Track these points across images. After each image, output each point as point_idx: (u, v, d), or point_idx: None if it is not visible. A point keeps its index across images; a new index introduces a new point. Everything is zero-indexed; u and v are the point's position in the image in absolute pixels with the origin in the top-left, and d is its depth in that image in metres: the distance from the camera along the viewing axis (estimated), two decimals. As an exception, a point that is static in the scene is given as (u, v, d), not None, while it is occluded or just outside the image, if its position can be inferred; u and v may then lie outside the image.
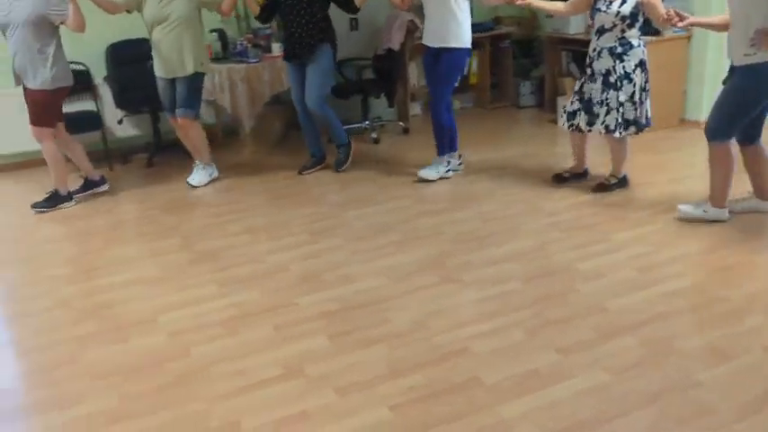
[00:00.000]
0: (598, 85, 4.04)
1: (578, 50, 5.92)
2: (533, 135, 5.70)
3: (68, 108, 5.24)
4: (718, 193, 3.61)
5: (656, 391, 2.34)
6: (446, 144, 4.62)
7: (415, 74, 6.39)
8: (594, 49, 4.04)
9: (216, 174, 4.90)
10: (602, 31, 3.98)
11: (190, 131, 4.70)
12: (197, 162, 4.86)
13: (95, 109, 5.36)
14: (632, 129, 4.07)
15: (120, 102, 5.31)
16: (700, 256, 3.35)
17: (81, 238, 4.01)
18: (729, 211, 3.66)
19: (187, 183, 4.78)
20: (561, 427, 2.19)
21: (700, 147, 4.31)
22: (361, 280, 3.27)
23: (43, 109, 4.23)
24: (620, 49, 3.93)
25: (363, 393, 2.41)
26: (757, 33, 3.20)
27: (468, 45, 4.41)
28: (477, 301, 3.02)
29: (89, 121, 5.23)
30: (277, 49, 5.53)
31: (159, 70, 4.57)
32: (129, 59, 5.34)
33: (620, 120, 4.02)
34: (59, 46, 4.21)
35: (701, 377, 2.40)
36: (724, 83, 3.52)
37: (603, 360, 2.53)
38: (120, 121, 5.52)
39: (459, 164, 4.74)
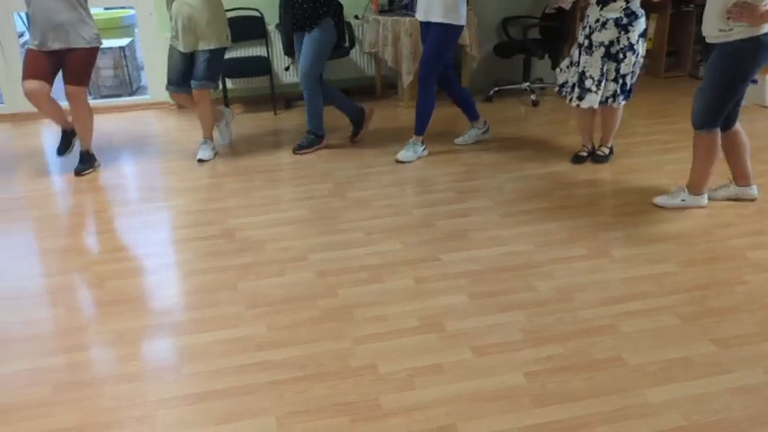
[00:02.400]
0: (596, 57, 3.90)
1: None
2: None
3: (241, 53, 5.58)
4: (699, 181, 3.49)
5: (825, 400, 2.12)
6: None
7: (583, 36, 6.08)
8: (598, 20, 3.87)
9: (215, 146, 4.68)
10: (605, 2, 3.83)
11: (203, 104, 4.45)
12: (204, 140, 4.62)
13: (266, 54, 5.63)
14: (625, 99, 3.99)
15: (288, 49, 5.53)
16: None
17: (242, 176, 4.27)
18: (709, 199, 3.56)
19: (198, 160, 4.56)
20: (709, 422, 2.05)
21: None
22: (508, 243, 3.22)
23: (88, 67, 4.17)
24: (625, 20, 3.81)
25: (500, 356, 2.39)
26: (736, 6, 2.94)
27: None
28: (629, 278, 2.87)
29: (259, 67, 5.52)
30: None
31: (180, 42, 4.27)
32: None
33: (618, 91, 3.94)
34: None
35: None
36: (703, 61, 3.18)
37: (765, 359, 2.32)
38: (287, 68, 5.77)
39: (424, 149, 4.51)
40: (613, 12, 3.81)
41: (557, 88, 4.22)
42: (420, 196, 3.83)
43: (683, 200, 3.53)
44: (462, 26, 4.27)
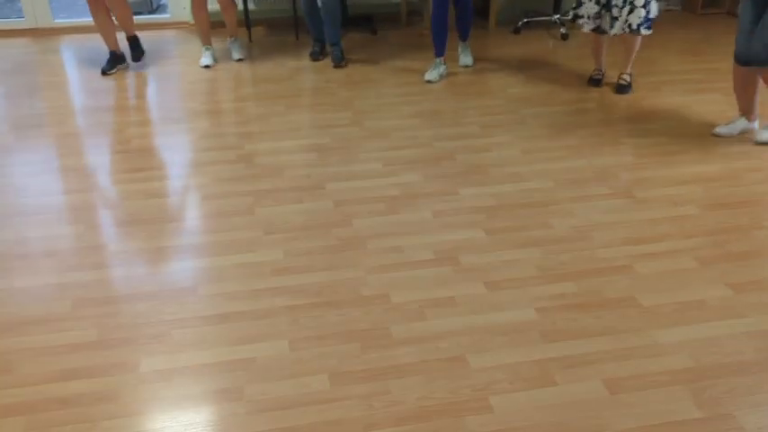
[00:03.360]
0: None
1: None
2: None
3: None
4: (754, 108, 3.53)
5: (839, 349, 2.11)
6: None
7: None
8: None
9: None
10: None
11: (230, 8, 4.82)
12: (232, 38, 4.97)
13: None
14: (650, 28, 4.02)
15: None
16: None
17: (265, 101, 4.23)
18: (715, 134, 3.63)
19: (232, 58, 4.90)
20: (719, 364, 2.06)
21: None
22: (528, 179, 3.18)
23: None
24: None
25: (513, 291, 2.40)
26: None
27: None
28: (649, 220, 2.83)
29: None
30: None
31: None
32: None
33: (643, 18, 3.96)
34: None
35: None
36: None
37: (782, 305, 2.31)
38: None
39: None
40: None
41: (585, 28, 4.15)
42: (441, 129, 3.77)
43: (744, 128, 3.58)
44: None
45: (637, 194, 3.03)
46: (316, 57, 4.91)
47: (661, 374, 2.02)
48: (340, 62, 4.74)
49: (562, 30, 5.42)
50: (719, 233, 2.73)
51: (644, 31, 4.01)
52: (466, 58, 4.75)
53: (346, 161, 3.40)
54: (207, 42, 4.85)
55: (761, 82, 3.45)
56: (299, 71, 4.76)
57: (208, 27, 4.82)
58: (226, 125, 3.86)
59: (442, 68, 4.53)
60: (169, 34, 5.65)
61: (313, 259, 2.60)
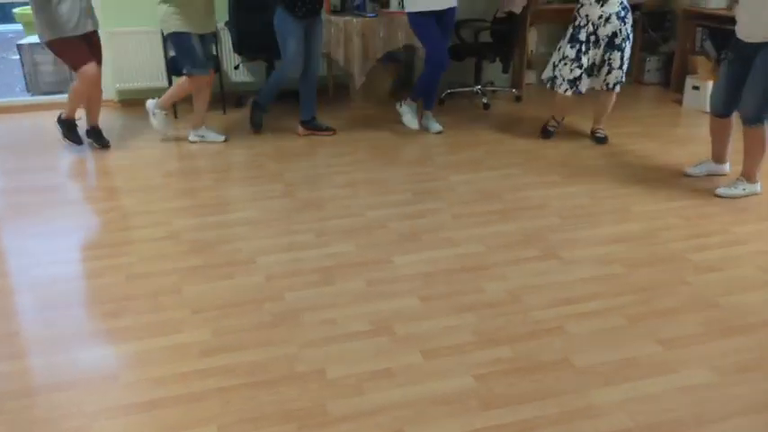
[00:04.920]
0: (601, 49, 4.38)
1: (716, 27, 5.49)
2: (655, 114, 5.37)
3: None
4: (754, 170, 3.74)
5: (763, 400, 2.17)
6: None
7: (534, 40, 6.15)
8: (600, 17, 4.29)
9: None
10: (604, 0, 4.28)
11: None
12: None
13: (215, 53, 5.51)
14: (623, 82, 4.49)
15: (238, 47, 5.43)
16: (832, 261, 3.06)
17: (192, 175, 4.17)
18: (686, 175, 4.06)
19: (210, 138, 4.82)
20: (655, 422, 2.07)
21: None
22: (460, 245, 3.21)
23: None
24: (623, 13, 4.29)
25: (450, 359, 2.38)
26: None
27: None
28: (578, 280, 2.89)
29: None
30: (395, 4, 5.47)
31: (198, 26, 4.39)
32: (250, 6, 5.44)
33: (620, 78, 4.44)
34: None
35: (819, 391, 2.20)
36: (726, 60, 3.69)
37: (710, 359, 2.36)
38: (236, 67, 5.67)
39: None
40: (613, 7, 4.27)
41: (547, 83, 4.60)
42: (373, 197, 3.79)
43: (744, 188, 3.76)
44: (411, 12, 4.55)
45: (564, 255, 3.11)
46: (258, 128, 4.93)
47: (600, 436, 2.02)
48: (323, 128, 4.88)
49: (484, 99, 5.63)
50: (645, 290, 2.81)
51: (617, 89, 4.46)
52: (435, 125, 4.92)
53: (278, 233, 3.36)
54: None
55: (731, 133, 3.87)
56: (228, 145, 4.73)
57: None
58: (152, 202, 3.77)
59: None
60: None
61: (244, 337, 2.52)
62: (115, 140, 4.80)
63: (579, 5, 4.36)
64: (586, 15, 4.32)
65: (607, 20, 4.27)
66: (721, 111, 3.81)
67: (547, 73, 4.59)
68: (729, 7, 5.30)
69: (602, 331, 2.53)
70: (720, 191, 3.76)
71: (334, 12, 5.45)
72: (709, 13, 5.47)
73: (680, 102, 5.57)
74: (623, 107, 5.57)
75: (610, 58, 4.37)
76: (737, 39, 3.61)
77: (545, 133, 4.78)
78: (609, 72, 4.41)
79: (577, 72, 4.40)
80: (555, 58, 4.51)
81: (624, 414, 2.10)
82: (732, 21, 5.10)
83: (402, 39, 5.36)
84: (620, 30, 4.29)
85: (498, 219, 3.50)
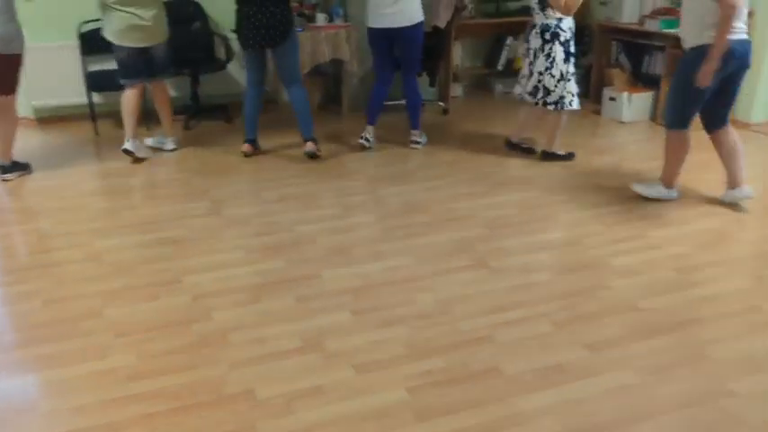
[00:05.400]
0: (538, 61, 4.37)
1: (630, 41, 5.75)
2: (575, 125, 5.54)
3: (107, 66, 5.28)
4: (670, 175, 3.87)
5: (685, 396, 2.26)
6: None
7: (459, 54, 6.27)
8: (532, 27, 4.37)
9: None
10: (533, 11, 4.34)
11: (165, 95, 4.73)
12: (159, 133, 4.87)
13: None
14: (563, 106, 4.38)
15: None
16: (742, 262, 3.22)
17: (115, 195, 4.03)
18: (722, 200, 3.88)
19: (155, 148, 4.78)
20: (583, 425, 2.12)
21: (751, 148, 4.15)
22: (390, 258, 3.22)
23: (7, 74, 4.07)
24: (548, 33, 4.29)
25: (381, 373, 2.37)
26: None
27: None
28: (506, 289, 2.95)
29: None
30: (322, 19, 5.47)
31: (135, 40, 4.37)
32: (173, 20, 5.32)
33: (542, 95, 4.38)
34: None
35: (733, 387, 2.31)
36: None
37: (633, 360, 2.45)
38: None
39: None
40: (538, 20, 4.29)
41: (520, 98, 4.61)
42: (302, 213, 3.76)
43: (659, 191, 3.88)
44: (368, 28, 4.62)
45: (492, 265, 3.16)
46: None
47: (530, 442, 2.05)
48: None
49: (412, 112, 5.68)
50: (570, 296, 2.89)
51: (550, 107, 4.39)
52: (423, 139, 4.94)
53: (205, 252, 3.28)
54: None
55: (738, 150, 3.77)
56: (153, 162, 4.60)
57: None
58: (71, 223, 3.62)
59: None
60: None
61: (170, 360, 2.44)
62: (31, 159, 4.59)
63: (557, 21, 4.26)
64: (569, 28, 4.30)
65: (532, 31, 4.35)
66: (711, 126, 3.76)
67: (553, 97, 4.39)
68: (641, 22, 5.54)
69: (529, 338, 2.58)
70: (637, 187, 3.91)
71: (260, 26, 5.39)
72: (622, 27, 5.71)
73: (599, 112, 5.78)
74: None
75: (532, 71, 4.41)
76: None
77: (524, 150, 4.74)
78: (529, 82, 4.44)
79: (532, 83, 4.44)
80: (548, 81, 4.33)
81: (552, 419, 2.15)
82: (644, 35, 5.35)
83: (329, 53, 5.37)
84: (541, 46, 4.31)
85: (427, 230, 3.53)
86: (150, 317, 2.71)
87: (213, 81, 5.54)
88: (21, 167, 4.33)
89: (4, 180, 4.21)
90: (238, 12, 4.39)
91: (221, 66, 5.42)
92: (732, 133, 3.76)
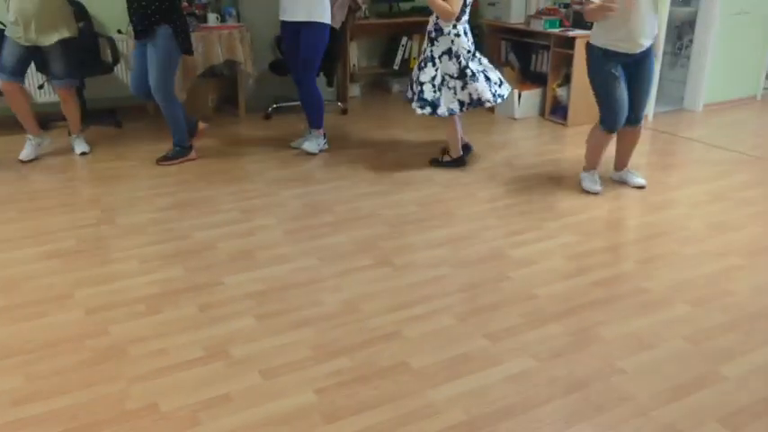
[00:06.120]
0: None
1: (518, 40, 5.98)
2: (470, 122, 5.70)
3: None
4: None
5: (580, 378, 2.37)
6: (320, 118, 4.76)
7: (355, 54, 6.31)
8: (428, 32, 4.27)
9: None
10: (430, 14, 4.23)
11: (71, 99, 4.55)
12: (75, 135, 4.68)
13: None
14: (428, 109, 4.24)
15: (41, 66, 5.00)
16: (626, 247, 3.43)
17: (-7, 207, 3.77)
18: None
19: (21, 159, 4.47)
20: (488, 412, 2.19)
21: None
22: (293, 260, 3.19)
23: None
24: (433, 34, 4.19)
25: (289, 376, 2.34)
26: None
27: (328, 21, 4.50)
28: (410, 285, 2.99)
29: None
30: (213, 19, 5.35)
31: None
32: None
33: (416, 97, 4.24)
34: None
35: (623, 365, 2.45)
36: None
37: (531, 347, 2.55)
38: (40, 86, 5.22)
39: (325, 142, 4.86)
40: (429, 24, 4.21)
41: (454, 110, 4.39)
42: (200, 218, 3.65)
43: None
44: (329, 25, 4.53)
45: (396, 262, 3.20)
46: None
47: (439, 433, 2.09)
48: (162, 161, 4.51)
49: (310, 113, 5.65)
50: (471, 289, 2.97)
51: (415, 107, 4.23)
52: (309, 144, 4.73)
53: (97, 263, 3.12)
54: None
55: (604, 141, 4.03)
56: (33, 170, 4.33)
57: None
58: (-56, 239, 3.35)
59: (320, 140, 4.76)
60: None
61: (63, 379, 2.30)
62: None
63: None
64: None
65: (427, 35, 4.26)
66: (631, 119, 3.93)
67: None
68: (527, 23, 5.78)
69: (434, 332, 2.63)
70: (640, 181, 4.17)
71: (148, 26, 5.19)
72: (510, 27, 5.94)
73: (492, 110, 5.98)
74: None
75: (417, 74, 4.27)
76: (616, 52, 3.72)
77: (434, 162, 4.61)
78: (412, 86, 4.34)
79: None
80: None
81: (459, 409, 2.20)
82: (531, 35, 5.59)
83: (223, 54, 5.25)
84: (425, 49, 4.24)
85: (330, 231, 3.52)
86: (38, 336, 2.55)
87: (99, 84, 5.29)
88: None
89: None
90: None
91: (108, 68, 5.18)
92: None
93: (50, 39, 4.22)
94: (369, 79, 6.76)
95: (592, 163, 4.14)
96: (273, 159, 4.65)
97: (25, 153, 4.46)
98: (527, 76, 6.00)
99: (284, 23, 4.51)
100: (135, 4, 4.14)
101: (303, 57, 4.50)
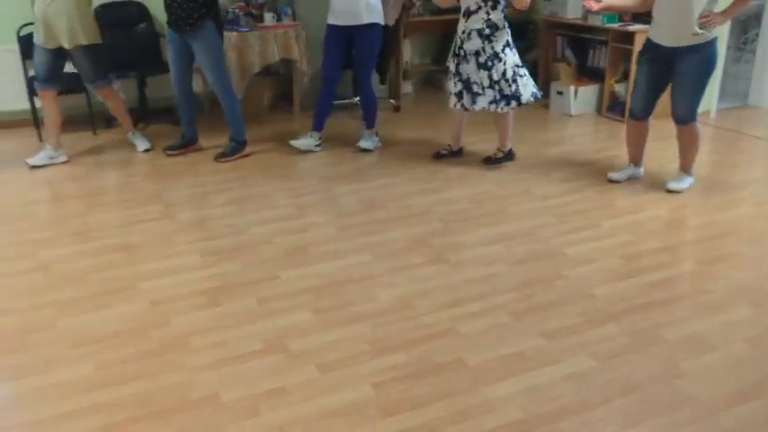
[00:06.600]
0: (472, 65, 4.20)
1: (575, 36, 5.88)
2: (524, 119, 5.64)
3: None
4: (691, 163, 4.03)
5: (639, 379, 2.33)
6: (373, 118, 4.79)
7: (408, 51, 6.31)
8: (464, 31, 4.18)
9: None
10: (468, 14, 4.14)
11: (111, 99, 4.61)
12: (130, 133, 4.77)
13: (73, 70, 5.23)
14: (513, 103, 4.23)
15: (107, 65, 5.17)
16: (687, 247, 3.34)
17: (63, 202, 3.92)
18: (610, 181, 4.15)
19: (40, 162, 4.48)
20: (544, 411, 2.17)
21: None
22: (347, 256, 3.22)
23: None
24: (487, 31, 4.10)
25: (345, 371, 2.38)
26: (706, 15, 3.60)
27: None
28: (464, 282, 2.99)
29: (74, 84, 5.10)
30: (270, 18, 5.43)
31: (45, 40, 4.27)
32: (118, 22, 5.21)
33: (498, 96, 4.20)
34: None
35: (684, 367, 2.40)
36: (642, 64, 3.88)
37: (589, 346, 2.51)
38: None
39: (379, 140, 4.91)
40: (476, 23, 4.10)
41: (453, 105, 4.42)
42: (256, 214, 3.73)
43: (689, 181, 4.04)
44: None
45: (449, 259, 3.20)
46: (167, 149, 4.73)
47: (496, 430, 2.09)
48: (220, 157, 4.63)
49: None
50: (526, 286, 2.95)
51: (505, 108, 4.22)
52: (365, 142, 4.80)
53: (160, 257, 3.22)
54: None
55: (647, 135, 4.05)
56: (100, 167, 4.49)
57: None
58: (17, 233, 3.50)
59: (311, 141, 4.74)
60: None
61: (130, 368, 2.39)
62: (-30, 168, 4.43)
63: None
64: (458, 29, 4.28)
65: (468, 35, 4.13)
66: (641, 114, 3.96)
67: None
68: (584, 18, 5.68)
69: (490, 329, 2.63)
70: (672, 185, 3.97)
71: (207, 26, 5.31)
72: (567, 22, 5.84)
73: (547, 107, 5.90)
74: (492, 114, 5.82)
75: (481, 78, 4.18)
76: (654, 43, 3.77)
77: (437, 155, 4.61)
78: (479, 93, 4.22)
79: (459, 86, 4.29)
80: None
81: (516, 407, 2.19)
82: (588, 30, 5.51)
83: (278, 52, 5.33)
84: (483, 48, 4.11)
85: (383, 227, 3.55)
86: (105, 326, 2.66)
87: (160, 83, 5.43)
88: None
89: None
90: None
91: (168, 68, 5.31)
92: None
93: (71, 42, 4.26)
94: (421, 76, 6.76)
95: (629, 155, 4.20)
96: (327, 156, 4.70)
97: (36, 158, 4.46)
98: (583, 72, 5.90)
99: (333, 27, 4.52)
100: (177, 3, 4.23)
101: (359, 59, 4.54)
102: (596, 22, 5.50)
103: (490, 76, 4.17)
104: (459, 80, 4.30)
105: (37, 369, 2.38)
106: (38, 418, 2.13)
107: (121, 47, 5.11)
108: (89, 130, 5.15)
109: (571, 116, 5.68)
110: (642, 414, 2.17)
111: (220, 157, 4.62)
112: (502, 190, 4.05)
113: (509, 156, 4.50)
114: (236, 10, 5.34)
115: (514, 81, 4.19)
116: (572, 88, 5.64)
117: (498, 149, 4.51)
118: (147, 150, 4.76)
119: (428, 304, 2.80)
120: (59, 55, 4.35)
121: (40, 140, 4.98)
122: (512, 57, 4.20)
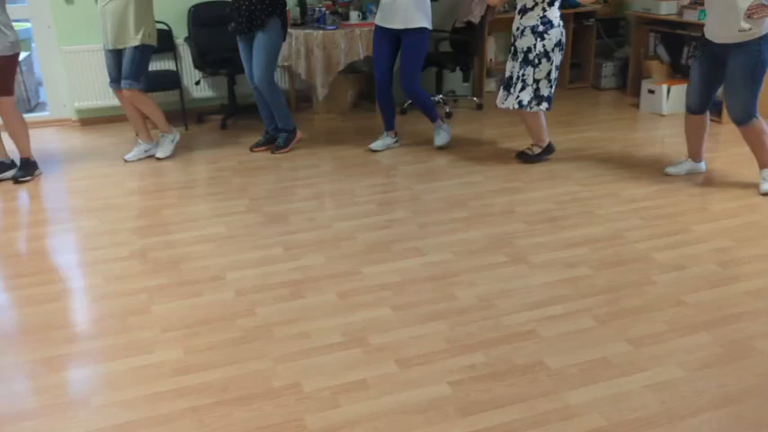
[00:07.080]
0: (518, 62, 4.15)
1: (668, 32, 5.65)
2: (613, 118, 5.48)
3: (150, 66, 5.39)
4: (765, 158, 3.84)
5: (732, 392, 2.23)
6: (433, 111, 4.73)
7: (492, 49, 6.24)
8: (518, 28, 4.13)
9: (177, 137, 4.80)
10: (524, 11, 4.09)
11: (138, 103, 4.55)
12: (160, 134, 4.75)
13: (175, 69, 5.47)
14: (544, 105, 4.21)
15: (199, 63, 5.39)
16: (788, 256, 3.16)
17: (155, 193, 4.11)
18: (666, 174, 4.12)
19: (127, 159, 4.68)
20: (628, 420, 2.11)
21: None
22: (428, 254, 3.23)
23: (7, 76, 4.09)
24: (541, 28, 4.04)
25: (424, 367, 2.38)
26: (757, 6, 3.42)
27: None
28: (546, 284, 2.93)
29: (168, 81, 5.34)
30: (355, 17, 5.50)
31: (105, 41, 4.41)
32: (210, 21, 5.42)
33: (533, 96, 4.16)
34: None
35: (782, 382, 2.27)
36: (696, 59, 3.79)
37: (677, 355, 2.42)
38: (197, 82, 5.62)
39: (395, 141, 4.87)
40: (531, 20, 4.05)
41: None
42: (339, 209, 3.79)
43: (690, 168, 4.10)
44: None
45: (531, 260, 3.15)
46: (252, 147, 4.88)
47: (576, 436, 2.04)
48: (276, 150, 4.77)
49: (446, 108, 5.68)
50: (612, 291, 2.86)
51: (535, 108, 4.20)
52: (437, 138, 4.79)
53: (246, 249, 3.33)
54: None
55: (707, 130, 3.98)
56: (191, 161, 4.68)
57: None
58: (115, 222, 3.70)
59: (387, 140, 4.79)
60: (50, 132, 5.44)
61: (216, 354, 2.48)
62: (75, 160, 4.71)
63: None
64: (513, 27, 4.20)
65: (522, 32, 4.09)
66: (696, 108, 3.91)
67: None
68: (680, 14, 5.45)
69: (572, 333, 2.57)
70: (764, 187, 3.81)
71: (295, 25, 5.44)
72: (660, 18, 5.62)
73: (637, 106, 5.70)
74: (582, 112, 5.68)
75: (523, 74, 4.13)
76: (706, 38, 3.71)
77: (520, 156, 4.50)
78: (522, 88, 4.16)
79: (504, 82, 4.32)
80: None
81: (598, 413, 2.14)
82: (683, 26, 5.31)
83: (362, 50, 5.39)
84: (534, 45, 4.05)
85: (464, 226, 3.53)
86: (195, 312, 2.77)
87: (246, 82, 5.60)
88: (33, 167, 4.38)
89: (19, 182, 4.28)
90: None
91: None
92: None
93: (123, 43, 4.34)
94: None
95: (688, 150, 4.12)
96: (407, 154, 4.72)
97: (132, 154, 4.68)
98: (677, 70, 5.67)
99: (381, 29, 4.50)
100: (247, 3, 4.33)
101: (406, 63, 4.46)
102: (692, 17, 5.27)
103: (533, 74, 4.12)
104: (504, 77, 4.29)
105: (131, 351, 2.51)
106: (129, 398, 2.25)
107: (214, 45, 5.31)
108: (182, 125, 5.37)
109: (663, 116, 5.46)
110: (736, 429, 2.06)
111: (276, 149, 4.75)
112: (586, 191, 3.95)
113: (548, 150, 4.46)
114: (323, 8, 5.43)
115: (553, 84, 4.18)
116: (664, 86, 5.43)
117: (534, 145, 4.45)
118: (159, 159, 4.69)
119: (509, 305, 2.77)
120: (121, 57, 4.42)
121: (137, 134, 5.23)
122: (559, 58, 4.14)
